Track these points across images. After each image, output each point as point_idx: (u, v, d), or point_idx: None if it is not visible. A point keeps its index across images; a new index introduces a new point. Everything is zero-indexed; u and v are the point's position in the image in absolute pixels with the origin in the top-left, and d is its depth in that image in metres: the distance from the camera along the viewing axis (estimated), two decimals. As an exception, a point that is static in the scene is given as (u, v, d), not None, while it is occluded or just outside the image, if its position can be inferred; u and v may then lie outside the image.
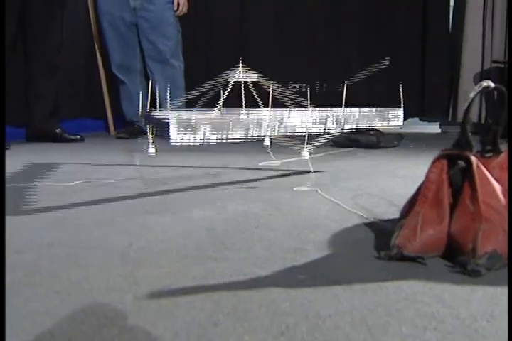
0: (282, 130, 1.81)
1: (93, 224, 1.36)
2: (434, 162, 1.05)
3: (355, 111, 1.97)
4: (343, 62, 4.59)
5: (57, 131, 3.52)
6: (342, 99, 1.94)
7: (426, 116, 4.80)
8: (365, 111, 2.00)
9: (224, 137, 1.85)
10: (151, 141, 1.90)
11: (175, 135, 1.63)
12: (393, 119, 2.10)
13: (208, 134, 1.77)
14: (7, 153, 3.01)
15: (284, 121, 1.80)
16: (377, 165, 2.55)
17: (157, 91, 3.87)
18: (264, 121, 1.74)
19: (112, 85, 4.02)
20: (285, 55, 4.53)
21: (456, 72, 4.55)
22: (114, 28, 3.77)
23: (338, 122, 1.93)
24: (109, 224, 1.35)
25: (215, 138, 1.97)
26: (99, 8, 3.80)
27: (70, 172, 2.28)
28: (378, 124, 2.05)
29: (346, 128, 1.96)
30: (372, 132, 3.45)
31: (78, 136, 3.55)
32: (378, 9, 4.65)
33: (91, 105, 4.13)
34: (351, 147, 3.21)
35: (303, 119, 1.85)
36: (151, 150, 1.91)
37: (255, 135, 1.77)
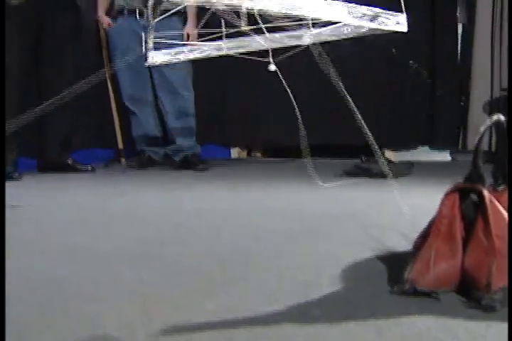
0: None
1: (105, 256, 1.36)
2: (446, 195, 1.05)
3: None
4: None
5: (69, 161, 3.54)
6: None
7: (436, 145, 4.80)
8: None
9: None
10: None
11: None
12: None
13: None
14: (17, 184, 3.03)
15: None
16: (389, 195, 2.54)
17: (168, 121, 3.92)
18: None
19: (123, 115, 4.05)
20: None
21: (465, 100, 4.56)
22: (127, 65, 3.80)
23: None
24: (120, 257, 1.35)
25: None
26: (112, 41, 3.85)
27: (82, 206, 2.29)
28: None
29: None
30: (383, 161, 3.46)
31: (89, 167, 3.57)
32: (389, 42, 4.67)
33: (102, 135, 4.16)
34: (362, 176, 3.21)
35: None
36: None
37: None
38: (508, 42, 4.21)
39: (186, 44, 2.53)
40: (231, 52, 2.30)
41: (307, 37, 2.03)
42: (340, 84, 2.10)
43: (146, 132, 3.92)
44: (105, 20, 3.81)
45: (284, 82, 2.35)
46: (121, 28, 3.72)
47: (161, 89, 3.82)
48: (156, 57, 2.25)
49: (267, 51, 2.21)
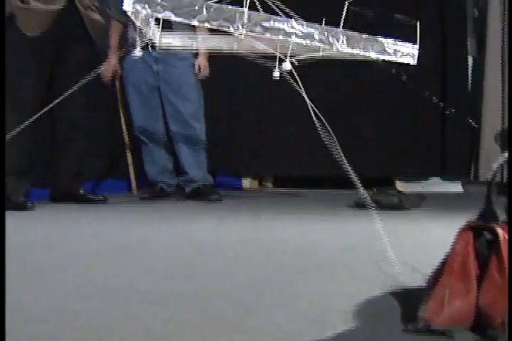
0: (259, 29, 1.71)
1: (116, 290, 1.36)
2: (459, 233, 1.04)
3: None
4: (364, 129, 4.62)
5: (81, 191, 3.57)
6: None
7: (447, 175, 4.79)
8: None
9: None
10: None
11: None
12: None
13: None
14: (31, 214, 3.05)
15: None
16: (399, 228, 2.53)
17: (179, 152, 3.94)
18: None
19: (135, 146, 4.08)
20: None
21: (476, 131, 4.57)
22: (137, 92, 3.86)
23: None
24: (132, 292, 1.35)
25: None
26: (125, 73, 3.90)
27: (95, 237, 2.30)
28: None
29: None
30: (393, 193, 3.45)
31: (101, 197, 3.59)
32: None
33: (114, 166, 4.18)
34: (373, 208, 3.19)
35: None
36: None
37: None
38: (508, 43, 4.21)
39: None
40: (241, 51, 2.25)
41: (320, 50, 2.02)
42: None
43: (157, 163, 3.95)
44: (109, 73, 3.94)
45: (302, 92, 2.35)
46: (134, 60, 3.77)
47: (173, 120, 3.86)
48: (170, 39, 2.20)
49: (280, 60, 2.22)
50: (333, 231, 2.44)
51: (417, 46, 2.04)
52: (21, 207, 3.12)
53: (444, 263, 1.06)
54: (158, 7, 1.60)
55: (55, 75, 3.38)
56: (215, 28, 1.72)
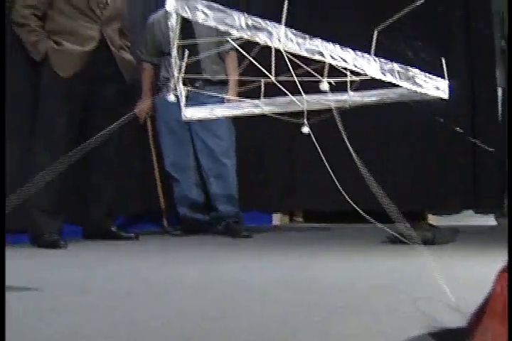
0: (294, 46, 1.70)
1: (152, 331, 1.35)
2: (499, 273, 1.02)
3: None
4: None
5: (113, 229, 3.58)
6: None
7: (480, 208, 4.72)
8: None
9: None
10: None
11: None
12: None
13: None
14: (64, 252, 3.06)
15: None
16: (434, 264, 2.49)
17: (209, 188, 3.95)
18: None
19: (166, 182, 4.10)
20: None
21: (508, 163, 4.51)
22: (168, 129, 3.89)
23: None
24: (168, 331, 1.34)
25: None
26: (157, 111, 3.94)
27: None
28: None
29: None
30: (426, 227, 3.41)
31: (133, 234, 3.60)
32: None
33: (146, 202, 4.19)
34: (406, 244, 3.15)
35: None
36: None
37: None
38: (507, 44, 4.16)
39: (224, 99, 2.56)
40: (267, 111, 2.31)
41: (346, 98, 2.03)
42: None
43: (188, 200, 3.96)
44: (143, 114, 3.98)
45: (317, 146, 2.35)
46: (165, 98, 3.80)
47: (203, 157, 3.88)
48: (194, 113, 2.26)
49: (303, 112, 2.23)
50: (367, 268, 2.42)
51: (446, 80, 2.03)
52: (54, 245, 3.14)
53: (485, 304, 1.04)
54: (198, 12, 1.61)
55: (87, 113, 3.43)
56: (251, 39, 1.73)
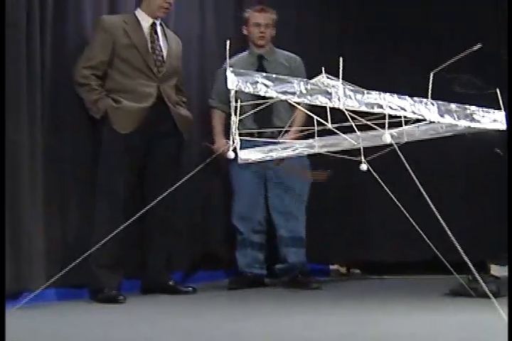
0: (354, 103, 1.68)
1: None
2: None
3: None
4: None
5: (171, 283, 3.58)
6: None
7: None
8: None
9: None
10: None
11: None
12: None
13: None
14: (123, 308, 3.07)
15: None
16: (500, 318, 2.39)
17: (280, 241, 3.91)
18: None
19: (227, 235, 4.10)
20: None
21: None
22: (241, 180, 3.87)
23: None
24: None
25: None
26: (230, 163, 3.82)
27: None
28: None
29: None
30: (490, 279, 3.30)
31: (190, 288, 3.58)
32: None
33: (204, 256, 4.16)
34: (470, 296, 3.05)
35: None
36: None
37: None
38: (507, 45, 4.02)
39: (278, 142, 2.59)
40: (322, 151, 2.34)
41: (399, 135, 2.02)
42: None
43: (249, 253, 3.90)
44: (221, 145, 3.75)
45: (382, 183, 2.32)
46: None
47: (275, 211, 3.86)
48: (249, 155, 2.29)
49: (358, 150, 2.21)
50: (432, 323, 2.35)
51: (503, 111, 2.01)
52: (113, 300, 3.16)
53: None
54: (259, 85, 1.65)
55: (145, 168, 3.49)
56: (313, 103, 1.75)
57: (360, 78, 2.10)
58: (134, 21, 3.50)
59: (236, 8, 4.46)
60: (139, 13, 3.54)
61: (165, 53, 3.54)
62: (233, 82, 1.63)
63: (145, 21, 3.53)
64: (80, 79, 3.32)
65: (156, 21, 3.56)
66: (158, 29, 3.58)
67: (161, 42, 3.56)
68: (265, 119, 3.71)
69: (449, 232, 1.85)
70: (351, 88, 1.71)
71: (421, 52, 4.59)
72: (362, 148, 2.18)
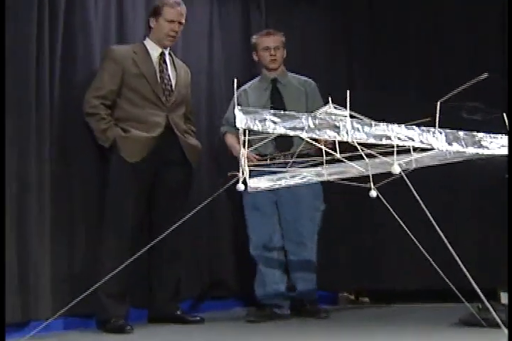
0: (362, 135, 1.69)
1: None
2: None
3: None
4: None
5: (178, 312, 3.55)
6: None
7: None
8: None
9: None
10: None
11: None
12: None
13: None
14: (130, 338, 3.04)
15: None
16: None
17: (290, 270, 3.87)
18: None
19: (240, 265, 4.09)
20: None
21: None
22: (256, 209, 3.80)
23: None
24: None
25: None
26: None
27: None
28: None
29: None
30: (500, 307, 3.26)
31: (198, 318, 3.54)
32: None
33: (214, 285, 4.12)
34: (481, 326, 3.01)
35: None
36: None
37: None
38: (507, 45, 4.00)
39: (286, 170, 2.59)
40: (331, 178, 2.34)
41: (405, 163, 2.02)
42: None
43: (269, 285, 3.77)
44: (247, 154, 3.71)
45: (392, 210, 2.31)
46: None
47: (288, 238, 3.81)
48: (258, 183, 2.29)
49: (367, 176, 2.20)
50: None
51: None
52: (121, 330, 3.14)
53: None
54: (268, 122, 1.66)
55: (153, 197, 3.50)
56: (322, 138, 1.76)
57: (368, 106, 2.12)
58: (142, 51, 3.54)
59: (243, 36, 4.50)
60: (148, 43, 3.58)
61: (174, 82, 3.58)
62: (242, 120, 1.64)
63: (154, 50, 3.56)
64: (89, 109, 3.34)
65: (164, 50, 3.60)
66: (167, 58, 3.61)
67: (170, 72, 3.60)
68: (285, 144, 3.66)
69: (458, 260, 1.83)
70: (359, 121, 1.72)
71: (431, 75, 4.60)
72: (371, 175, 2.17)
